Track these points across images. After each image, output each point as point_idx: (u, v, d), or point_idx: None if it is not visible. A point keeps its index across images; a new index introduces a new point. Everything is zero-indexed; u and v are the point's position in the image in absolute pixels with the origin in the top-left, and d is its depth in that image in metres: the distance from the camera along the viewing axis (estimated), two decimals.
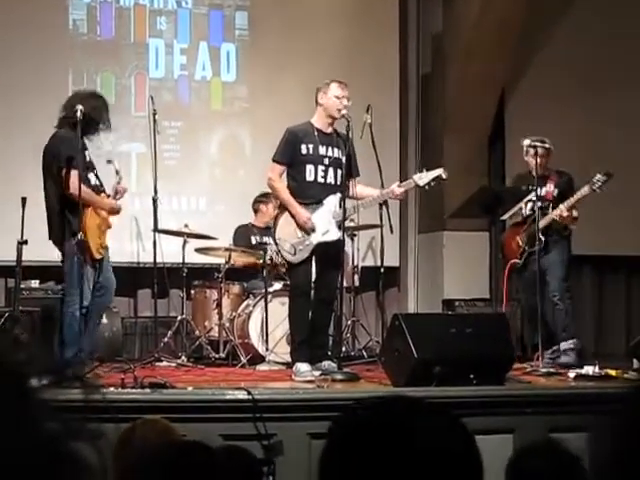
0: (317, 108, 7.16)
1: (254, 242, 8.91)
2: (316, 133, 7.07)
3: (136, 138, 9.26)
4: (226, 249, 8.59)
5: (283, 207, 7.18)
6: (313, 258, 7.08)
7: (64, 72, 9.73)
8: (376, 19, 10.44)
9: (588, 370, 6.86)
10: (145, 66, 10.01)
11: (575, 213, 7.89)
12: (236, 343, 8.17)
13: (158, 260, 7.97)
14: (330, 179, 7.06)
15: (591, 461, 1.48)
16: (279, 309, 7.96)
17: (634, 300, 10.84)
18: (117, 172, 7.18)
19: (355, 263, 9.15)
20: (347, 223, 7.18)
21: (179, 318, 8.51)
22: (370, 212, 7.73)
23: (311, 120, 7.15)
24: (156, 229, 7.98)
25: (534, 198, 7.80)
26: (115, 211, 7.09)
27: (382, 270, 8.82)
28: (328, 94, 7.05)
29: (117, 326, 8.56)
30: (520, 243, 8.09)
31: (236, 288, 8.68)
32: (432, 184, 7.13)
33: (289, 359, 7.25)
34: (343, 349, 7.91)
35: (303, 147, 7.04)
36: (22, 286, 8.15)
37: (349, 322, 8.99)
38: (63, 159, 6.79)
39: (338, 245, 6.96)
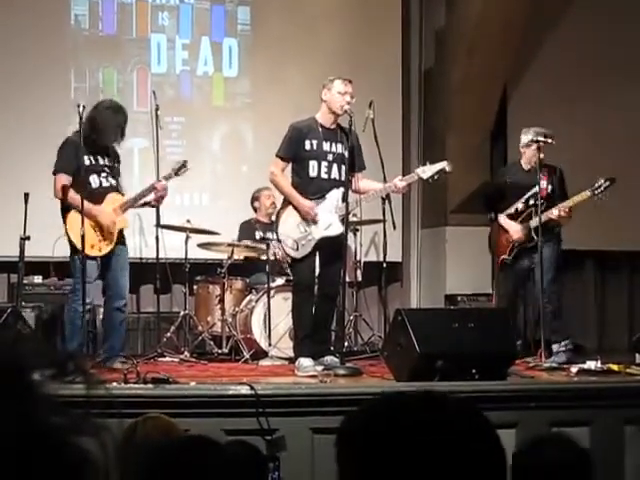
0: (321, 104, 7.17)
1: (258, 237, 8.92)
2: (320, 129, 7.07)
3: (138, 133, 9.25)
4: (229, 244, 8.59)
5: (286, 203, 7.18)
6: (317, 253, 7.09)
7: (66, 68, 9.73)
8: (379, 14, 10.43)
9: (590, 365, 6.86)
10: (147, 61, 10.01)
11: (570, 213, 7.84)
12: (239, 338, 8.17)
13: (161, 256, 7.97)
14: (334, 175, 7.06)
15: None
16: (282, 304, 7.96)
17: (636, 295, 10.84)
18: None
19: (358, 258, 9.15)
20: (350, 218, 7.18)
21: (182, 313, 8.51)
22: (373, 207, 7.72)
23: (315, 116, 7.15)
24: (158, 224, 7.98)
25: (541, 195, 7.72)
26: (106, 221, 7.13)
27: (385, 265, 8.81)
28: (332, 90, 7.06)
29: None
30: (510, 239, 8.05)
31: (239, 283, 8.68)
32: (436, 177, 7.12)
33: (292, 354, 7.26)
34: (346, 344, 7.92)
35: (307, 143, 7.05)
36: (25, 282, 8.16)
37: (352, 317, 8.99)
38: (56, 163, 7.12)
39: (341, 240, 6.96)
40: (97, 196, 7.10)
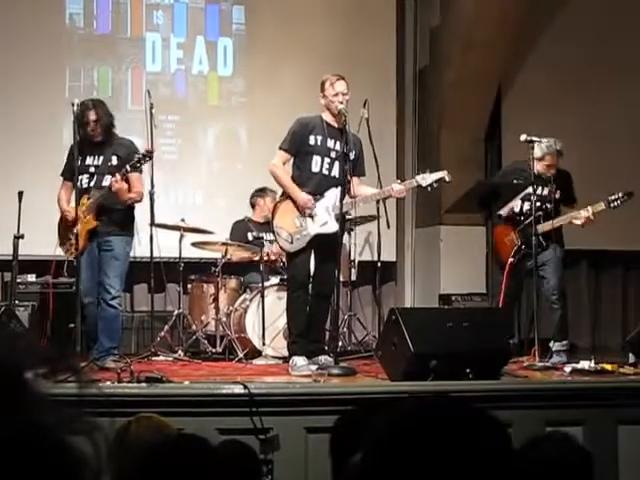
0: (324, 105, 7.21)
1: (251, 238, 8.90)
2: (325, 126, 7.09)
3: (133, 132, 9.22)
4: (223, 243, 8.58)
5: (284, 197, 7.19)
6: (312, 252, 7.10)
7: (61, 66, 9.72)
8: (373, 12, 10.43)
9: (584, 365, 6.86)
10: (142, 60, 10.00)
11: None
12: (233, 337, 8.17)
13: (155, 254, 7.97)
14: (335, 172, 7.07)
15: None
16: (276, 303, 7.96)
17: (630, 294, 10.86)
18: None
19: (352, 257, 9.15)
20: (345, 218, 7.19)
21: (176, 312, 8.51)
22: (367, 206, 7.73)
23: (322, 114, 7.17)
24: (153, 223, 7.97)
25: (533, 196, 7.70)
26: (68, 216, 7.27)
27: (379, 264, 8.82)
28: (325, 93, 7.08)
29: None
30: (515, 241, 8.02)
31: (233, 282, 8.68)
32: (435, 185, 7.12)
33: (286, 353, 7.25)
34: (340, 343, 7.92)
35: (311, 138, 7.07)
36: (18, 280, 8.15)
37: (346, 316, 8.99)
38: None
39: (336, 238, 6.96)
40: (81, 198, 7.13)
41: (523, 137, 7.67)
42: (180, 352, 7.99)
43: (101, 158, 7.22)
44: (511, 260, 7.99)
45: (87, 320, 7.18)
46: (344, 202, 6.95)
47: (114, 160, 7.21)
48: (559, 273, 7.96)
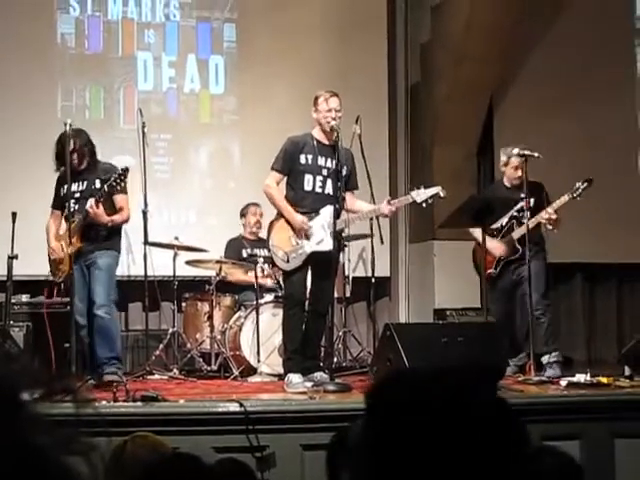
0: (315, 121, 7.20)
1: (245, 255, 8.90)
2: (315, 144, 7.09)
3: (125, 151, 9.25)
4: (217, 261, 8.59)
5: (279, 215, 7.19)
6: (308, 269, 7.09)
7: (53, 86, 9.73)
8: (364, 30, 10.45)
9: (580, 378, 6.85)
10: (134, 79, 10.02)
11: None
12: (228, 355, 8.16)
13: (149, 273, 7.97)
14: (328, 189, 7.07)
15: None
16: (271, 321, 7.95)
17: (625, 307, 10.86)
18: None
19: (346, 273, 9.15)
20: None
21: (170, 331, 8.50)
22: (360, 224, 7.75)
23: (312, 132, 7.17)
24: (146, 242, 7.98)
25: (524, 207, 7.75)
26: (54, 253, 7.45)
27: (373, 280, 8.83)
28: (318, 108, 7.09)
29: None
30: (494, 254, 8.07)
31: (227, 300, 8.67)
32: (429, 201, 7.12)
33: (281, 370, 7.24)
34: (335, 360, 7.91)
35: (302, 157, 7.07)
36: (13, 301, 8.13)
37: (340, 333, 8.99)
38: None
39: (332, 255, 6.96)
40: (67, 222, 7.20)
41: (515, 151, 7.75)
42: (175, 370, 7.98)
43: (85, 183, 7.31)
44: (490, 272, 8.01)
45: (83, 340, 7.18)
46: (338, 220, 6.95)
47: (97, 184, 7.27)
48: (541, 288, 7.90)
